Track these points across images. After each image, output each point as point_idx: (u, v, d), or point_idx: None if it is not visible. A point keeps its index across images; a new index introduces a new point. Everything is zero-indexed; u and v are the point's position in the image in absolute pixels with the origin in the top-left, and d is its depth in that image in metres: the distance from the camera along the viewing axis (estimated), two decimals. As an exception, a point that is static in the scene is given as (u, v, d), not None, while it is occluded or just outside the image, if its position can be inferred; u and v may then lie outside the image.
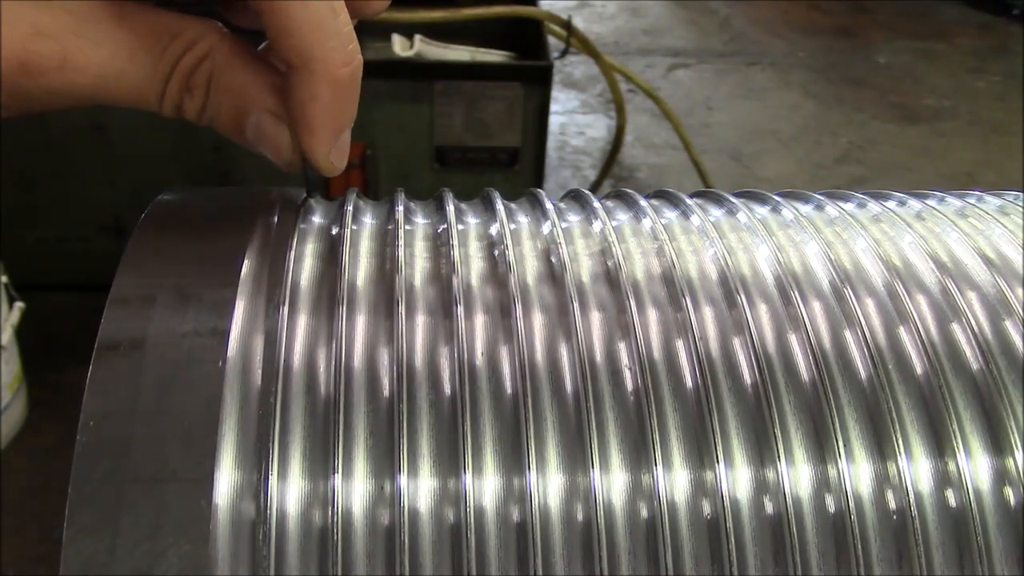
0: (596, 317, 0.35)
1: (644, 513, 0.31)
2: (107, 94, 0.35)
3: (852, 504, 0.31)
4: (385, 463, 0.31)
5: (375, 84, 1.74)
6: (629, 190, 0.44)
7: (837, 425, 0.32)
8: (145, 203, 0.39)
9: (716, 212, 0.42)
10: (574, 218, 0.41)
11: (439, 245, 0.38)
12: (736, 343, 0.34)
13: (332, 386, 0.32)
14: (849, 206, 0.43)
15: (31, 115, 0.36)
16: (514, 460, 0.31)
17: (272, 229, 0.38)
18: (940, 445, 0.32)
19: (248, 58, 0.36)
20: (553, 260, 0.37)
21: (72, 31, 0.33)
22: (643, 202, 0.42)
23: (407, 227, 0.39)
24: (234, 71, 0.36)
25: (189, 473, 0.29)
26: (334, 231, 0.39)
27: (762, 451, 0.32)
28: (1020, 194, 0.45)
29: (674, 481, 0.31)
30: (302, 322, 0.34)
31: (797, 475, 0.32)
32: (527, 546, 0.30)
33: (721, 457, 0.31)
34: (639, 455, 0.32)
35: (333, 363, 0.33)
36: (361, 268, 0.37)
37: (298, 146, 0.37)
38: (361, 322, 0.34)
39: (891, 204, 0.43)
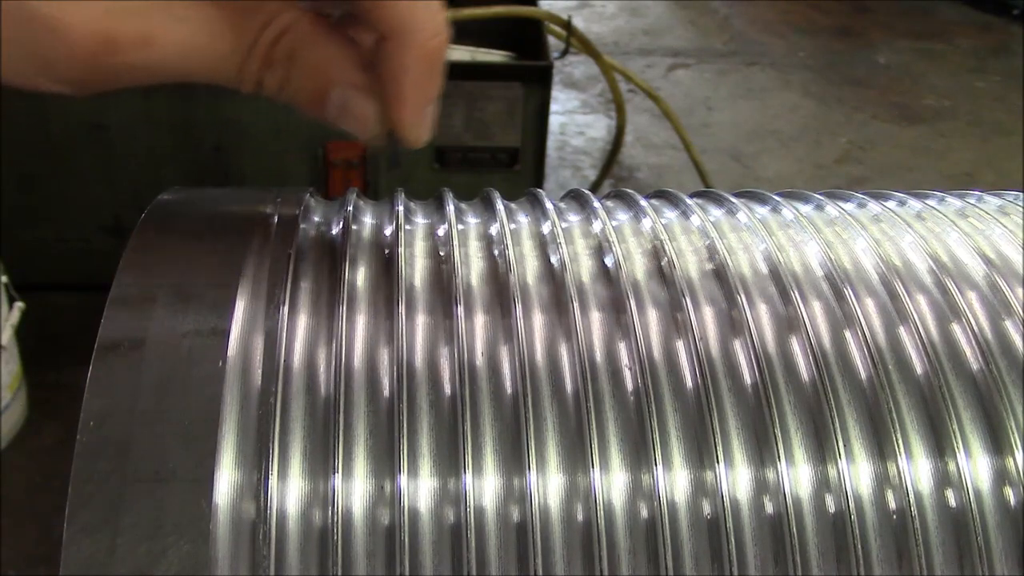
0: (596, 317, 0.35)
1: (644, 513, 0.31)
2: (187, 70, 0.35)
3: (852, 504, 0.31)
4: (385, 463, 0.31)
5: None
6: (629, 190, 0.44)
7: (837, 425, 0.32)
8: (145, 203, 0.39)
9: (716, 212, 0.42)
10: (574, 218, 0.41)
11: (439, 245, 0.38)
12: (736, 343, 0.34)
13: (332, 386, 0.32)
14: (849, 206, 0.43)
15: (99, 95, 0.36)
16: (514, 460, 0.31)
17: (272, 229, 0.38)
18: (940, 445, 0.32)
19: (328, 33, 0.36)
20: (553, 260, 0.37)
21: (155, 7, 0.34)
22: (643, 202, 0.42)
23: (407, 227, 0.39)
24: (316, 45, 0.36)
25: (189, 473, 0.29)
26: (334, 231, 0.39)
27: (762, 451, 0.32)
28: (1020, 194, 0.45)
29: (674, 481, 0.31)
30: (302, 322, 0.34)
31: (797, 475, 0.32)
32: (527, 546, 0.30)
33: (721, 457, 0.31)
34: (639, 455, 0.31)
35: (333, 363, 0.33)
36: (361, 268, 0.37)
37: (385, 119, 0.37)
38: (361, 322, 0.34)
39: (891, 204, 0.43)
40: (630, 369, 0.33)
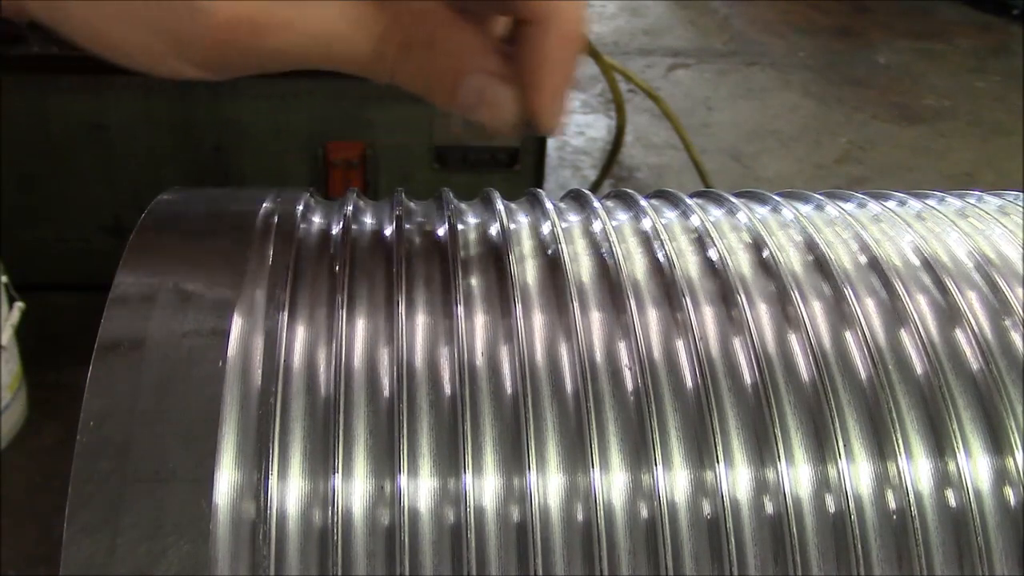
0: (596, 317, 0.35)
1: (644, 513, 0.31)
2: (326, 54, 0.35)
3: (852, 504, 0.31)
4: (385, 463, 0.31)
5: (375, 84, 1.74)
6: (629, 190, 0.44)
7: (837, 425, 0.32)
8: (145, 203, 0.39)
9: (716, 212, 0.42)
10: (574, 218, 0.41)
11: (439, 245, 0.38)
12: (736, 343, 0.34)
13: (332, 386, 0.32)
14: (849, 206, 0.43)
15: (225, 79, 0.36)
16: (514, 460, 0.31)
17: (272, 229, 0.38)
18: (940, 445, 0.32)
19: (464, 20, 0.36)
20: (553, 260, 0.37)
21: None
22: (643, 202, 0.42)
23: (407, 227, 0.39)
24: (451, 33, 0.36)
25: (189, 473, 0.29)
26: (334, 231, 0.39)
27: (762, 451, 0.32)
28: (1020, 194, 0.45)
29: (674, 481, 0.31)
30: (302, 322, 0.34)
31: (797, 475, 0.32)
32: (527, 546, 0.30)
33: (721, 457, 0.31)
34: (639, 455, 0.31)
35: (333, 363, 0.33)
36: (361, 268, 0.37)
37: (522, 106, 0.36)
38: (361, 322, 0.34)
39: (891, 204, 0.43)
40: (630, 369, 0.33)
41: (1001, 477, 0.32)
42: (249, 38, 0.33)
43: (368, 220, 0.40)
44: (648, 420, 0.32)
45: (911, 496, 0.31)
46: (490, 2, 0.37)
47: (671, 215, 0.42)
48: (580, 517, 0.31)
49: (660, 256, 0.38)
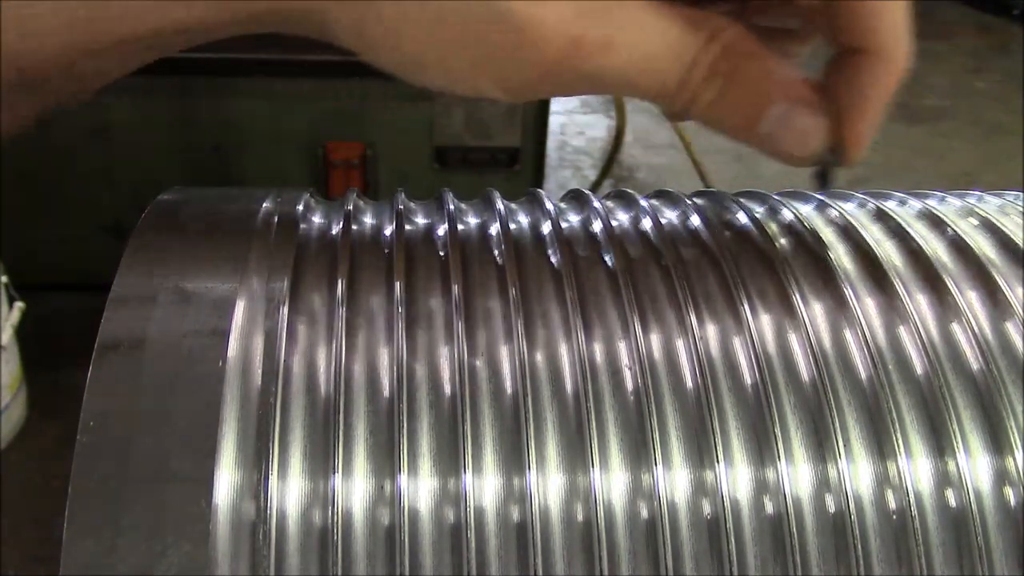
0: (596, 317, 0.35)
1: (644, 513, 0.31)
2: (634, 80, 0.34)
3: (852, 504, 0.31)
4: (385, 463, 0.31)
5: (375, 84, 1.74)
6: (629, 190, 0.44)
7: (837, 425, 0.32)
8: (145, 203, 0.39)
9: (716, 212, 0.42)
10: (574, 218, 0.41)
11: (439, 245, 0.38)
12: (736, 343, 0.34)
13: (332, 386, 0.32)
14: (849, 206, 0.43)
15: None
16: (514, 460, 0.31)
17: (272, 229, 0.38)
18: (940, 445, 0.32)
19: (766, 50, 0.36)
20: (553, 260, 0.37)
21: (619, 11, 0.33)
22: (643, 202, 0.42)
23: (407, 228, 0.39)
24: (757, 60, 0.35)
25: (189, 473, 0.29)
26: (334, 231, 0.39)
27: (762, 451, 0.32)
28: (1020, 194, 0.45)
29: (674, 481, 0.31)
30: (302, 322, 0.34)
31: (797, 475, 0.32)
32: (527, 546, 0.30)
33: (721, 457, 0.31)
34: (639, 455, 0.31)
35: (333, 363, 0.33)
36: (361, 268, 0.37)
37: (831, 136, 0.36)
38: (361, 322, 0.34)
39: (891, 204, 0.43)
40: (630, 369, 0.33)
41: (1001, 477, 0.32)
42: (571, 59, 0.33)
43: (368, 220, 0.40)
44: (648, 420, 0.32)
45: (911, 496, 0.31)
46: (810, 29, 0.37)
47: (671, 215, 0.42)
48: (580, 517, 0.31)
49: (660, 256, 0.38)
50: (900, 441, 0.32)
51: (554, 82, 0.34)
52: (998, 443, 0.32)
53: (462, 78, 0.34)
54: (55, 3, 0.32)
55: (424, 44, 0.33)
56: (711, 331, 0.35)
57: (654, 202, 0.43)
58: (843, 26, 0.35)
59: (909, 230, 0.40)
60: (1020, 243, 0.39)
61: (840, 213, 0.41)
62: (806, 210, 0.42)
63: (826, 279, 0.37)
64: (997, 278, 0.37)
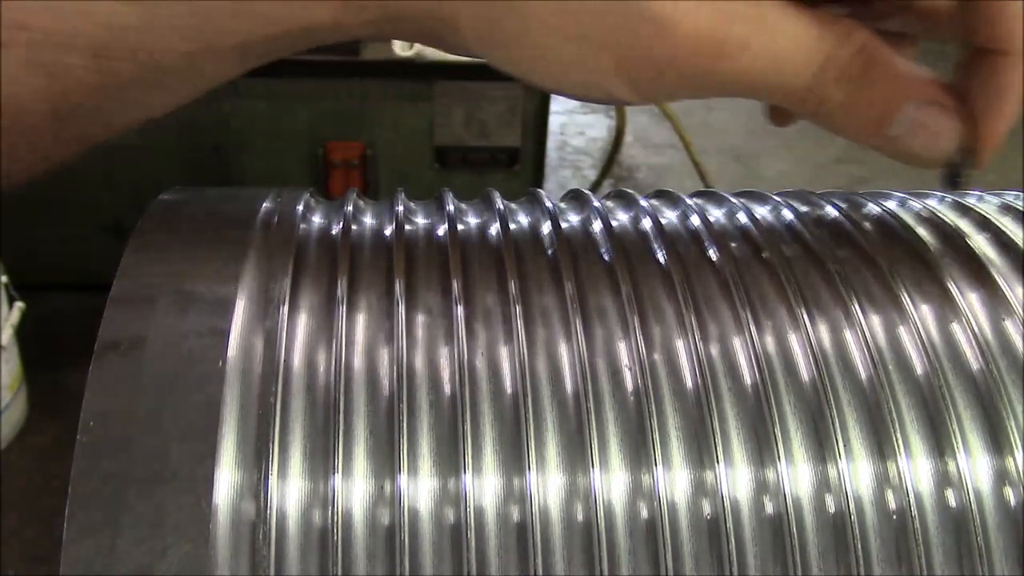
0: (596, 317, 0.35)
1: (644, 513, 0.31)
2: (765, 83, 0.34)
3: (852, 504, 0.31)
4: (385, 463, 0.31)
5: (375, 84, 1.74)
6: (629, 190, 0.44)
7: (837, 425, 0.32)
8: (145, 203, 0.39)
9: (716, 212, 0.42)
10: (574, 218, 0.41)
11: (439, 245, 0.38)
12: (736, 343, 0.34)
13: (332, 386, 0.32)
14: (849, 206, 0.43)
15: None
16: (514, 460, 0.31)
17: (272, 229, 0.38)
18: (940, 445, 0.32)
19: (893, 51, 0.35)
20: (553, 260, 0.37)
21: (755, 11, 0.33)
22: (643, 202, 0.42)
23: (407, 228, 0.39)
24: (890, 63, 0.35)
25: (189, 473, 0.29)
26: (334, 231, 0.39)
27: (762, 451, 0.32)
28: (1020, 194, 0.45)
29: (674, 481, 0.31)
30: (302, 322, 0.34)
31: (797, 475, 0.32)
32: (527, 546, 0.30)
33: (721, 457, 0.31)
34: (639, 455, 0.32)
35: (333, 363, 0.33)
36: (361, 268, 0.37)
37: (965, 136, 0.36)
38: (361, 322, 0.34)
39: (891, 204, 0.43)
40: (630, 369, 0.33)
41: (1001, 477, 0.32)
42: (709, 60, 0.32)
43: (368, 220, 0.40)
44: (648, 420, 0.32)
45: (911, 496, 0.31)
46: (927, 32, 0.37)
47: (671, 215, 0.42)
48: (580, 517, 0.31)
49: (660, 256, 0.38)
50: (900, 441, 0.32)
51: (689, 84, 0.34)
52: (998, 443, 0.32)
53: (596, 80, 0.34)
54: (192, 3, 0.32)
55: (563, 45, 0.33)
56: (711, 331, 0.35)
57: (654, 202, 0.43)
58: (980, 28, 0.35)
59: (908, 231, 0.40)
60: (1020, 243, 0.39)
61: (840, 213, 0.41)
62: (806, 210, 0.42)
63: (827, 279, 0.37)
64: (997, 278, 0.37)
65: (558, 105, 2.77)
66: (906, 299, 0.36)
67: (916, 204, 0.43)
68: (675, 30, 0.32)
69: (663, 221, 0.40)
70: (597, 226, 0.40)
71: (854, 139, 0.36)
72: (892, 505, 0.31)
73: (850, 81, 0.34)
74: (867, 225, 0.40)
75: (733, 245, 0.39)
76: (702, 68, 0.33)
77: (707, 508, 0.31)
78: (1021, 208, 0.42)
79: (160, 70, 0.34)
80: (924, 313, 0.36)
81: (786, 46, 0.33)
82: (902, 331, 0.35)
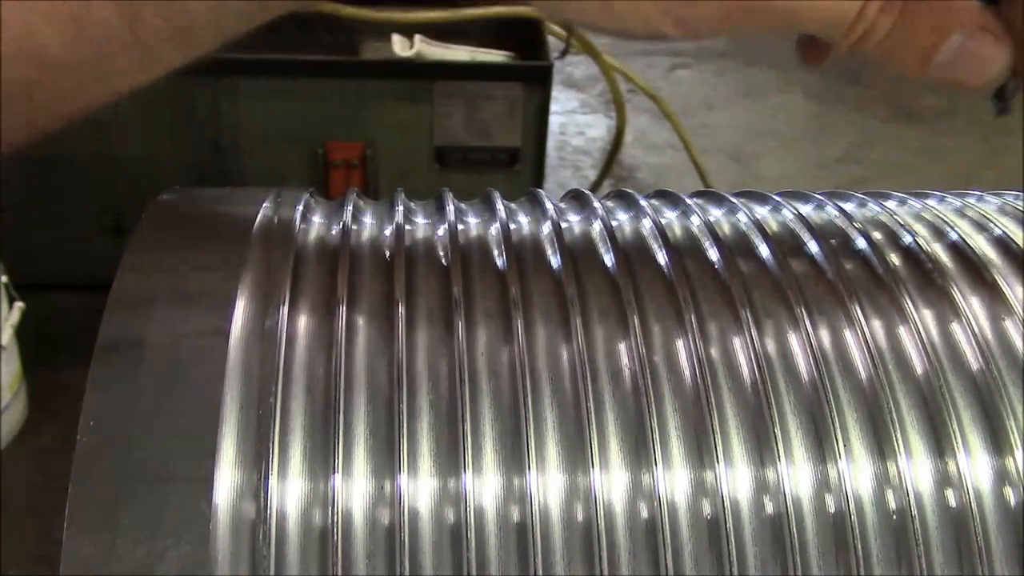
0: (596, 317, 0.35)
1: (644, 513, 0.31)
2: (811, 13, 0.34)
3: (852, 504, 0.31)
4: (385, 463, 0.31)
5: (375, 84, 1.74)
6: (629, 190, 0.44)
7: (837, 425, 0.32)
8: (145, 203, 0.39)
9: (716, 212, 0.42)
10: (574, 218, 0.41)
11: (439, 245, 0.38)
12: (736, 343, 0.34)
13: (332, 386, 0.32)
14: (849, 206, 0.43)
15: None
16: (514, 460, 0.31)
17: (272, 229, 0.38)
18: (940, 445, 0.32)
19: None
20: (553, 260, 0.37)
21: None
22: (643, 202, 0.42)
23: (407, 228, 0.39)
24: None
25: (189, 473, 0.29)
26: (334, 231, 0.39)
27: (762, 451, 0.32)
28: (1020, 194, 0.45)
29: (674, 481, 0.31)
30: (302, 322, 0.34)
31: (797, 475, 0.32)
32: (527, 546, 0.30)
33: (721, 457, 0.31)
34: (639, 455, 0.31)
35: (333, 363, 0.33)
36: (361, 268, 0.37)
37: (1012, 61, 0.36)
38: (361, 322, 0.34)
39: (891, 204, 0.43)
40: (630, 369, 0.33)
41: (1001, 477, 0.32)
42: (737, 11, 0.33)
43: (368, 220, 0.40)
44: (648, 420, 0.32)
45: (911, 496, 0.31)
46: None
47: (671, 215, 0.42)
48: (580, 517, 0.31)
49: (660, 256, 0.38)
50: (900, 441, 0.32)
51: (737, 16, 0.34)
52: (998, 443, 0.32)
53: (645, 17, 0.34)
54: None
55: None
56: (711, 331, 0.35)
57: (654, 202, 0.43)
58: None
59: (908, 231, 0.40)
60: (1020, 243, 0.39)
61: (840, 213, 0.41)
62: (806, 210, 0.42)
63: (826, 279, 0.37)
64: (997, 278, 0.37)
65: (558, 105, 2.77)
66: (906, 299, 0.36)
67: (916, 204, 0.43)
68: None
69: (663, 221, 0.40)
70: (597, 226, 0.40)
71: (901, 69, 0.36)
72: (892, 505, 0.31)
73: (897, 10, 0.35)
74: (867, 225, 0.40)
75: (733, 245, 0.39)
76: (735, 18, 0.34)
77: (707, 508, 0.31)
78: (1021, 208, 0.42)
79: (186, 15, 0.34)
80: (924, 313, 0.36)
81: None
82: (902, 331, 0.35)
